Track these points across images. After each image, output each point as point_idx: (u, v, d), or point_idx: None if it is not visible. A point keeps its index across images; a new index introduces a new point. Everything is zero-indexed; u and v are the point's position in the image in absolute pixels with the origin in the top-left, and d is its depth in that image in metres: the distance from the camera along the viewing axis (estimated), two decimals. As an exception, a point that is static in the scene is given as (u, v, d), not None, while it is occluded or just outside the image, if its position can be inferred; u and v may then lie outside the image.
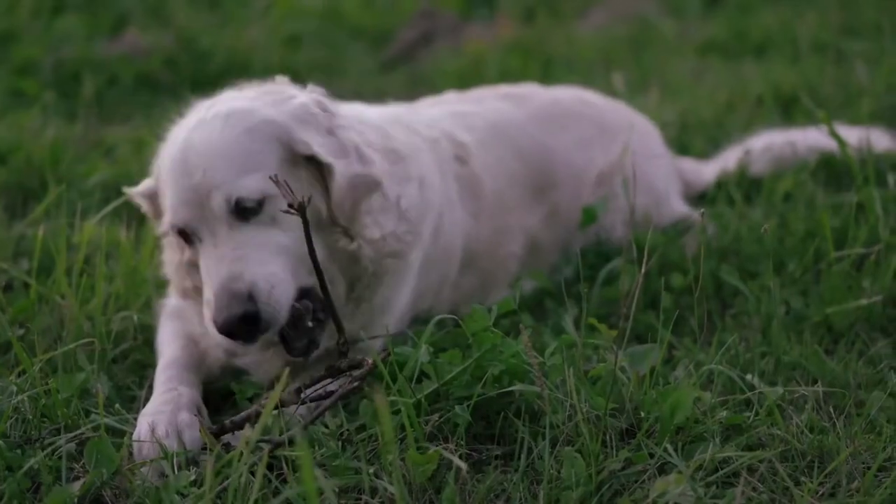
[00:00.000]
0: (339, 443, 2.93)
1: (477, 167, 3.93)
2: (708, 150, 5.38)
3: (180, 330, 3.49)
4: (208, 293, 3.13)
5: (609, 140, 4.38)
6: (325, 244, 3.27)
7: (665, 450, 2.89)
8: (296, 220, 3.04)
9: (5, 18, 7.65)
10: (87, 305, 3.69)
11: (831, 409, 3.22)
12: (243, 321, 3.02)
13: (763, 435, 3.03)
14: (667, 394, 3.00)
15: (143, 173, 4.89)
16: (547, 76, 6.92)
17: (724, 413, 3.08)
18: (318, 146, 3.23)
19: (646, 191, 4.28)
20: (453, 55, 7.63)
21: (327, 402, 2.97)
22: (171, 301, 3.60)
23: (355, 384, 3.01)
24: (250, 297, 3.03)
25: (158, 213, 3.39)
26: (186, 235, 3.22)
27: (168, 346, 3.44)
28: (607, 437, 2.94)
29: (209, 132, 3.20)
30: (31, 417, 3.10)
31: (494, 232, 3.96)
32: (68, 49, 7.16)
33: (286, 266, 3.13)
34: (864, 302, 3.70)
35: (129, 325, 3.68)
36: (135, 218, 4.25)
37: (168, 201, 3.23)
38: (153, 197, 3.40)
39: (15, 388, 3.17)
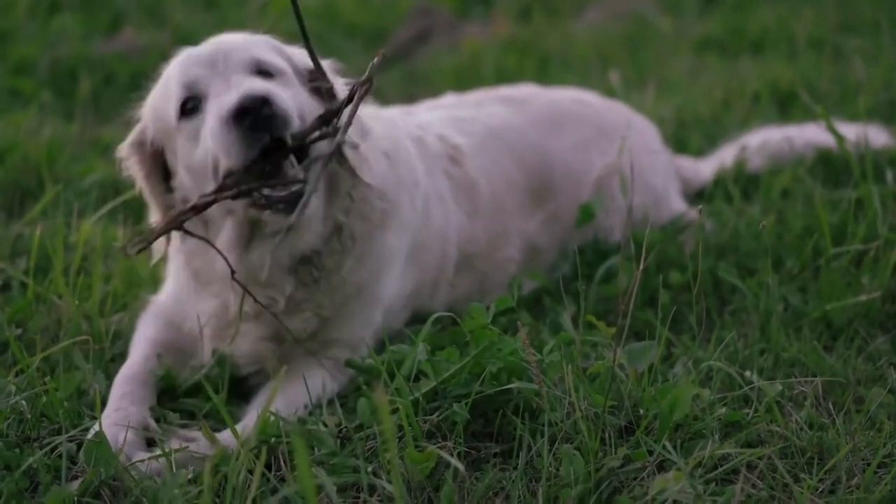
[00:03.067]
0: (338, 441, 2.93)
1: (471, 169, 3.93)
2: (705, 147, 5.38)
3: (152, 336, 3.46)
4: (209, 125, 3.10)
5: (607, 141, 4.37)
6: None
7: (664, 447, 2.89)
8: (300, 102, 3.16)
9: (1, 18, 7.64)
10: (84, 305, 3.68)
11: (830, 406, 3.22)
12: (260, 102, 2.98)
13: (762, 431, 3.03)
14: (665, 391, 3.00)
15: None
16: (543, 74, 6.92)
17: (723, 410, 3.08)
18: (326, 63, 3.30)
19: (644, 189, 4.28)
20: (450, 53, 7.63)
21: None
22: (159, 298, 3.59)
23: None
24: (259, 88, 3.03)
25: (145, 160, 3.36)
26: (191, 110, 3.19)
27: (134, 352, 3.42)
28: (606, 435, 2.93)
29: (225, 36, 3.32)
30: (29, 417, 3.10)
31: (492, 235, 3.95)
32: (65, 48, 7.15)
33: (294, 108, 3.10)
34: (862, 298, 3.70)
35: (126, 324, 3.67)
36: (131, 217, 4.25)
37: (175, 80, 3.24)
38: (141, 141, 3.38)
39: (14, 388, 3.17)
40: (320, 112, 3.12)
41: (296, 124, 3.05)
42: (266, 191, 3.05)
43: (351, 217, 3.38)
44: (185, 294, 3.50)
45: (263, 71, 3.22)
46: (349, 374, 3.38)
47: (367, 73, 3.04)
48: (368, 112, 3.69)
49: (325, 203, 3.31)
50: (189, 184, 3.26)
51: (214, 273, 3.34)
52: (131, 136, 3.41)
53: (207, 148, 3.12)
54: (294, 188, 3.04)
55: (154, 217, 3.40)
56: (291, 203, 3.03)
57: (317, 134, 3.06)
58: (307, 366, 3.34)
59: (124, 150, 3.42)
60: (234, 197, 3.03)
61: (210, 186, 3.11)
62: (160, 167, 3.38)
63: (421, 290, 3.70)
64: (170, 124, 3.26)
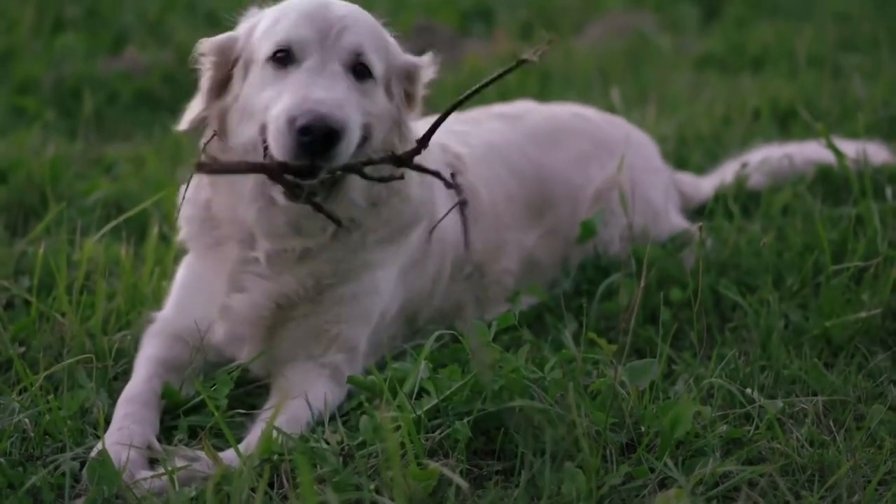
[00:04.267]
0: (340, 458, 2.94)
1: (472, 178, 3.94)
2: (706, 164, 5.39)
3: (154, 355, 3.46)
4: (278, 107, 3.13)
5: (606, 155, 4.38)
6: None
7: (665, 464, 2.90)
8: (377, 110, 3.29)
9: (6, 36, 7.67)
10: (87, 323, 3.69)
11: (831, 423, 3.23)
12: (324, 130, 3.03)
13: (763, 449, 3.04)
14: (667, 408, 3.01)
15: (143, 190, 4.95)
16: (544, 91, 6.94)
17: (725, 427, 3.09)
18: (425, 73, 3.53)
19: (644, 205, 4.29)
20: (451, 70, 7.64)
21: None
22: (162, 313, 3.60)
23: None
24: (342, 121, 3.07)
25: (220, 64, 3.40)
26: (282, 60, 3.24)
27: (137, 372, 3.42)
28: (607, 452, 2.94)
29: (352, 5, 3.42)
30: (32, 435, 3.11)
31: (489, 246, 3.96)
32: (68, 67, 7.17)
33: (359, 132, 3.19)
34: (863, 315, 3.70)
35: (129, 342, 3.68)
36: (135, 235, 4.27)
37: (283, 24, 3.28)
38: (227, 49, 3.41)
39: (17, 406, 3.18)
40: (394, 118, 3.39)
41: (350, 150, 3.12)
42: (288, 176, 3.13)
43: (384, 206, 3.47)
44: (192, 289, 3.53)
45: (360, 68, 3.27)
46: (349, 384, 3.39)
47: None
48: None
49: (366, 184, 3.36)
50: (236, 116, 3.35)
51: (234, 218, 3.40)
52: (220, 38, 3.45)
53: (265, 114, 3.19)
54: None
55: (197, 106, 3.47)
56: (298, 195, 3.15)
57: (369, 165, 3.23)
58: (307, 376, 3.35)
59: (207, 46, 3.45)
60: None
61: (249, 132, 3.27)
62: (226, 77, 3.42)
63: (420, 295, 3.70)
64: (258, 55, 3.32)
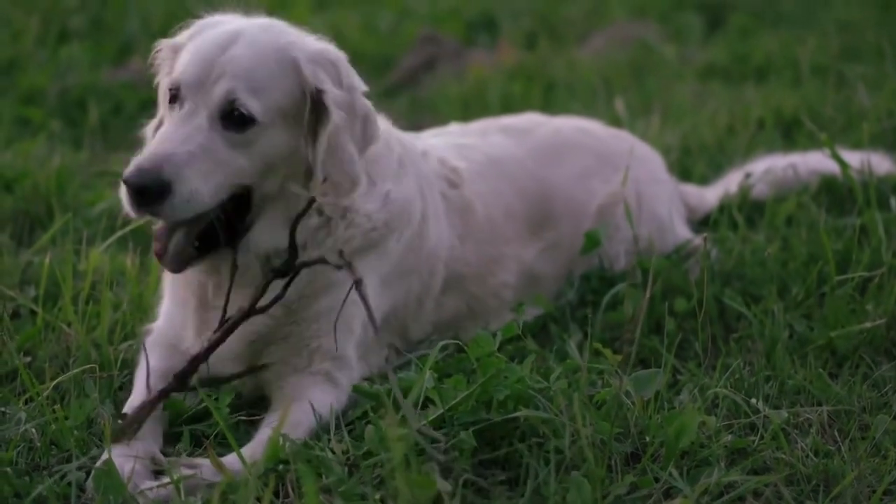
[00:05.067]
0: (346, 468, 2.94)
1: (468, 192, 3.95)
2: (710, 174, 5.39)
3: (153, 366, 3.45)
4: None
5: (610, 169, 4.38)
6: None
7: (670, 474, 2.90)
8: (265, 151, 3.27)
9: (11, 47, 7.68)
10: (93, 333, 3.70)
11: (836, 433, 3.23)
12: (147, 176, 3.12)
13: (768, 459, 3.04)
14: (672, 418, 3.01)
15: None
16: (548, 101, 6.95)
17: (729, 437, 3.09)
18: (330, 91, 3.34)
19: (649, 217, 4.30)
20: (456, 81, 7.66)
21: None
22: (157, 324, 3.61)
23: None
24: (166, 177, 3.13)
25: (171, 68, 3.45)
26: (174, 97, 3.32)
27: (138, 384, 3.43)
28: (612, 462, 2.94)
29: (257, 32, 3.36)
30: (38, 445, 3.12)
31: (485, 259, 3.96)
32: (73, 77, 7.18)
33: (218, 186, 3.22)
34: (867, 325, 3.71)
35: (135, 352, 3.68)
36: (140, 245, 4.27)
37: (184, 58, 3.34)
38: (177, 50, 3.45)
39: (24, 416, 3.19)
40: (303, 155, 3.33)
41: (190, 205, 3.16)
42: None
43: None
44: (179, 308, 3.54)
45: (236, 116, 3.25)
46: (344, 386, 3.38)
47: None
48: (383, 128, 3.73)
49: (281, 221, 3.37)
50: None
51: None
52: (176, 38, 3.50)
53: None
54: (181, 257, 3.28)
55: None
56: (175, 262, 3.28)
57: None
58: (300, 383, 3.35)
59: (163, 45, 3.52)
60: None
61: None
62: None
63: (406, 306, 3.71)
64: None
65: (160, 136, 3.26)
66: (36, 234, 4.79)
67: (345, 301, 3.28)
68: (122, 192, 3.21)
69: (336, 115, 3.31)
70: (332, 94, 3.32)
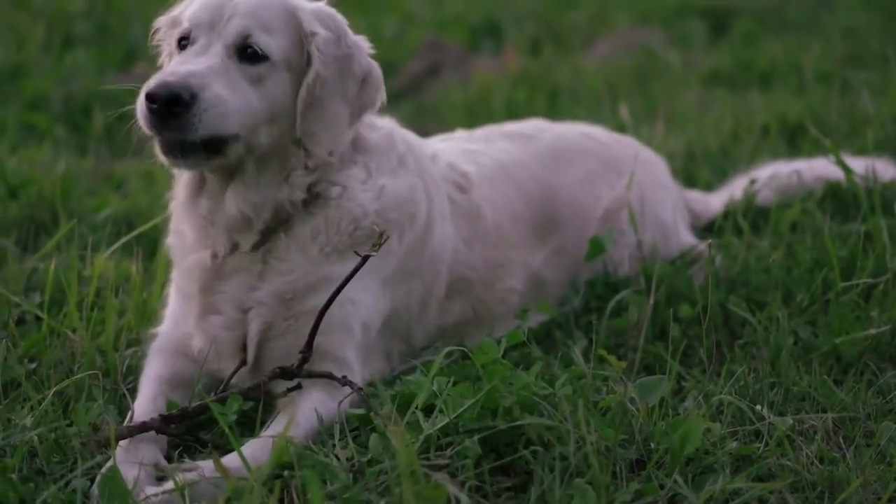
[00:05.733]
0: (351, 475, 2.94)
1: (477, 197, 3.95)
2: (714, 180, 5.40)
3: (157, 374, 3.49)
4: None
5: (615, 175, 4.39)
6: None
7: (675, 481, 2.90)
8: (273, 93, 3.32)
9: (16, 53, 7.71)
10: (98, 339, 3.71)
11: (841, 440, 3.23)
12: (167, 88, 3.15)
13: (773, 466, 3.04)
14: (676, 425, 3.01)
15: (153, 207, 4.96)
16: (553, 107, 6.96)
17: (734, 444, 3.09)
18: (319, 36, 3.39)
19: (653, 223, 4.30)
20: (461, 87, 7.67)
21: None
22: (161, 329, 3.62)
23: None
24: (193, 85, 3.17)
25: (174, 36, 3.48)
26: (184, 45, 3.36)
27: (142, 392, 3.45)
28: (617, 469, 2.94)
29: None
30: (43, 451, 3.12)
31: (491, 263, 3.96)
32: (78, 83, 7.20)
33: (241, 104, 3.25)
34: (872, 332, 3.70)
35: (140, 358, 3.69)
36: (145, 251, 4.28)
37: (191, 8, 3.39)
38: (177, 21, 3.49)
39: (30, 422, 3.19)
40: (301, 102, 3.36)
41: (215, 117, 3.19)
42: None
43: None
44: (183, 302, 3.56)
45: (250, 51, 3.32)
46: (345, 391, 3.35)
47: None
48: (383, 125, 3.74)
49: (269, 178, 3.42)
50: None
51: (192, 222, 3.51)
52: (171, 13, 3.55)
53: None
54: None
55: None
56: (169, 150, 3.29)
57: None
58: (304, 388, 3.33)
59: (162, 22, 3.57)
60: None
61: None
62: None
63: (408, 308, 3.71)
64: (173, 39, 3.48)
65: (176, 61, 3.29)
66: (41, 240, 4.80)
67: (331, 300, 3.28)
68: (142, 110, 3.23)
69: (318, 63, 3.38)
70: (320, 41, 3.38)
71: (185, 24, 3.37)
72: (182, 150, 3.26)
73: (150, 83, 3.19)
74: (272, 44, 3.33)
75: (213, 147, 3.27)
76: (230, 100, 3.23)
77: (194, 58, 3.28)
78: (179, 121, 3.17)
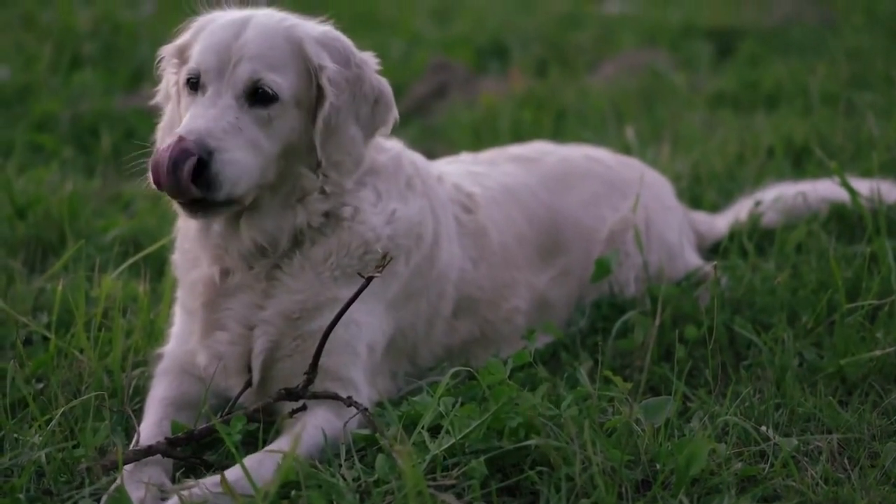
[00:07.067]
0: (357, 496, 2.95)
1: (483, 218, 3.97)
2: (720, 202, 5.40)
3: (163, 395, 3.50)
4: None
5: (620, 196, 4.40)
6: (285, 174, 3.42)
7: (681, 502, 2.90)
8: (283, 132, 3.34)
9: (24, 74, 7.73)
10: (105, 359, 3.72)
11: (846, 461, 3.23)
12: (186, 155, 3.15)
13: (778, 486, 3.04)
14: (682, 445, 3.02)
15: (161, 227, 4.98)
16: (559, 129, 6.97)
17: (740, 465, 3.10)
18: (328, 69, 3.40)
19: (659, 244, 4.31)
20: (467, 108, 7.68)
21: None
22: (167, 349, 3.64)
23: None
24: (208, 152, 3.18)
25: (181, 63, 3.49)
26: (193, 86, 3.37)
27: (148, 415, 3.46)
28: (623, 489, 2.95)
29: (264, 18, 3.43)
30: (50, 471, 3.13)
31: (498, 284, 3.97)
32: (86, 104, 7.22)
33: (252, 161, 3.28)
34: (877, 353, 3.71)
35: (147, 378, 3.70)
36: (152, 272, 4.29)
37: (198, 47, 3.39)
38: (182, 50, 3.50)
39: (37, 442, 3.20)
40: (310, 134, 3.39)
41: (235, 174, 3.22)
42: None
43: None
44: (187, 319, 3.58)
45: (261, 92, 3.33)
46: (351, 412, 3.36)
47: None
48: (392, 148, 3.76)
49: (281, 203, 3.45)
50: (166, 129, 3.57)
51: (204, 247, 3.52)
52: (177, 41, 3.55)
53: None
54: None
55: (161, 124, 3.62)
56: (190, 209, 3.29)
57: None
58: (309, 407, 3.34)
59: (167, 50, 3.57)
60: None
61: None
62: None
63: (414, 328, 3.72)
64: (182, 75, 3.47)
65: (192, 115, 3.29)
66: (49, 260, 4.82)
67: (336, 320, 3.29)
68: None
69: (331, 95, 3.39)
70: (329, 73, 3.39)
71: (193, 65, 3.37)
72: (203, 208, 3.27)
73: (168, 144, 3.19)
74: (282, 83, 3.34)
75: (230, 201, 3.29)
76: (247, 161, 3.26)
77: (209, 108, 3.28)
78: (203, 182, 3.18)
